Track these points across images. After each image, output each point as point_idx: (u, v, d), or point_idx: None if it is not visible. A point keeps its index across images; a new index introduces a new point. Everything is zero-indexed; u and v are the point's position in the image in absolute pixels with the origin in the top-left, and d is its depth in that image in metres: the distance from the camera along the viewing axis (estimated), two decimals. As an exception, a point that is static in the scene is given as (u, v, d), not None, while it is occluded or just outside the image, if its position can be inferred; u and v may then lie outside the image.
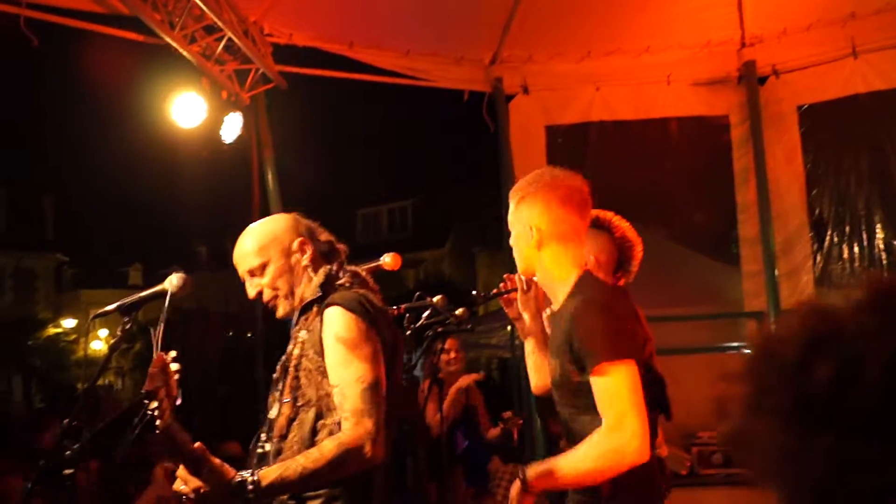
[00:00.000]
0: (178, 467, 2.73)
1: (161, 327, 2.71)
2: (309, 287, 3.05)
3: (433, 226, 42.26)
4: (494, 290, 4.31)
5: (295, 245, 3.09)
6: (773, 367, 1.08)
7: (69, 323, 43.81)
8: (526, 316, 4.03)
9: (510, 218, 3.19)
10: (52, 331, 41.88)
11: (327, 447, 2.71)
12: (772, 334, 1.18)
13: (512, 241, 3.21)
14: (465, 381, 6.90)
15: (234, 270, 3.15)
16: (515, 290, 4.17)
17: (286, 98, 8.11)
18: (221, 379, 19.22)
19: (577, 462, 2.88)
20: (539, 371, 3.94)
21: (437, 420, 5.89)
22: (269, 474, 2.69)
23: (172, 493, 5.82)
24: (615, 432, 2.81)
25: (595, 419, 2.93)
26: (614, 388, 2.86)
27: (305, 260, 3.08)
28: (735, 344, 8.37)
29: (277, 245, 3.09)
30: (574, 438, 3.05)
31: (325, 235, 3.22)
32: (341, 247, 3.23)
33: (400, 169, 48.18)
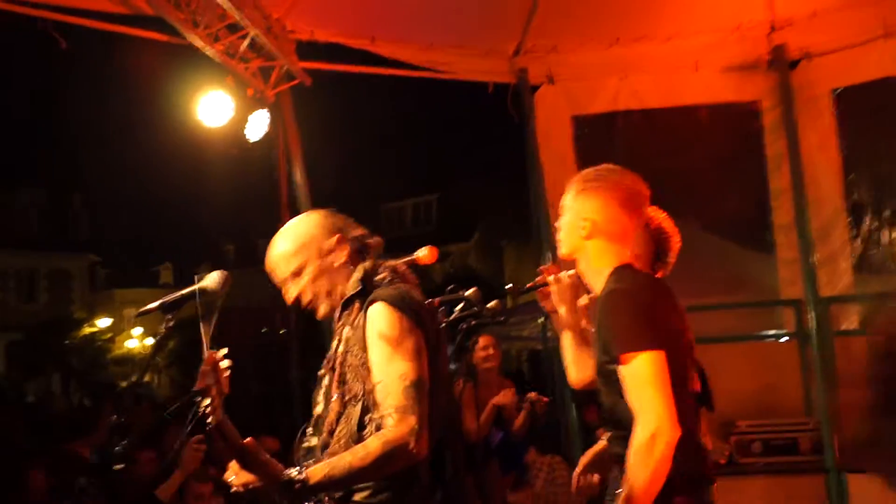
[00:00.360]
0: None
1: (211, 325, 2.77)
2: (348, 284, 3.04)
3: (458, 220, 42.40)
4: (529, 284, 4.30)
5: (331, 243, 3.07)
6: None
7: (104, 322, 44.33)
8: (562, 309, 4.03)
9: (565, 203, 3.30)
10: (87, 330, 42.44)
11: (373, 445, 2.72)
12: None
13: (561, 225, 3.31)
14: (504, 399, 6.88)
15: (262, 267, 3.14)
16: (546, 284, 4.16)
17: (309, 94, 8.08)
18: (255, 376, 19.34)
19: (635, 479, 2.87)
20: (576, 364, 3.94)
21: (473, 427, 5.85)
22: (317, 472, 2.71)
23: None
24: (643, 426, 2.86)
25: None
26: (638, 377, 2.91)
27: (343, 257, 3.07)
28: (771, 332, 8.31)
29: (313, 246, 3.07)
30: (618, 426, 3.09)
31: (358, 229, 3.20)
32: (375, 240, 3.21)
33: (424, 163, 48.26)
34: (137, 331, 46.14)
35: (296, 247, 3.07)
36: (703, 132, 8.38)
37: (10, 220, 43.03)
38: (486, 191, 39.82)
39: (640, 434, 2.85)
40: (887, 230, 7.98)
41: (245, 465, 2.72)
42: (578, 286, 4.18)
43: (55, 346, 39.26)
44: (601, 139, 8.44)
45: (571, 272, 4.19)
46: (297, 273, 3.05)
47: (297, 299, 3.09)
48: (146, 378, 36.57)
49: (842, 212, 8.12)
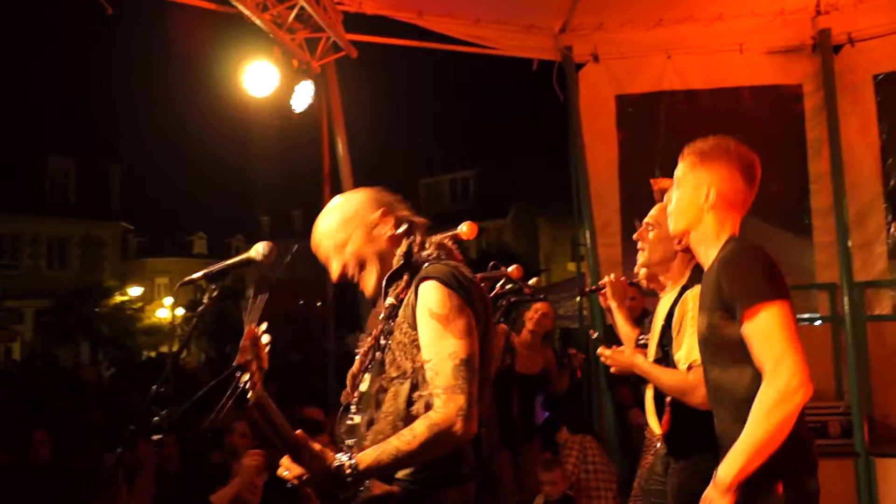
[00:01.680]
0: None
1: (255, 299, 2.71)
2: (393, 259, 3.03)
3: (495, 196, 42.27)
4: (593, 287, 4.51)
5: (376, 219, 3.06)
6: None
7: (135, 291, 44.51)
8: (613, 304, 4.18)
9: (679, 174, 3.25)
10: (118, 299, 42.56)
11: (419, 428, 2.71)
12: None
13: (675, 196, 3.26)
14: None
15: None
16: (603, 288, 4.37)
17: (352, 66, 8.12)
18: (293, 347, 19.42)
19: (752, 432, 2.79)
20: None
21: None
22: (365, 457, 2.71)
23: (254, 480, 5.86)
24: (775, 378, 2.77)
25: (743, 374, 2.92)
26: (767, 329, 2.83)
27: (388, 231, 3.05)
28: (806, 316, 8.29)
29: (358, 219, 3.06)
30: (721, 399, 3.06)
31: (403, 210, 3.16)
32: (421, 220, 3.18)
33: (463, 139, 48.16)
34: (168, 300, 46.40)
35: (341, 221, 3.07)
36: (745, 114, 8.38)
37: (43, 186, 43.23)
38: (522, 167, 39.78)
39: (771, 385, 2.76)
40: (924, 217, 7.98)
41: (296, 458, 2.73)
42: (626, 286, 4.32)
43: (85, 313, 39.47)
44: (644, 119, 8.47)
45: (613, 276, 4.40)
46: (342, 247, 3.05)
47: (342, 274, 3.08)
48: (173, 347, 36.84)
49: (879, 197, 8.12)
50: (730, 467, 2.82)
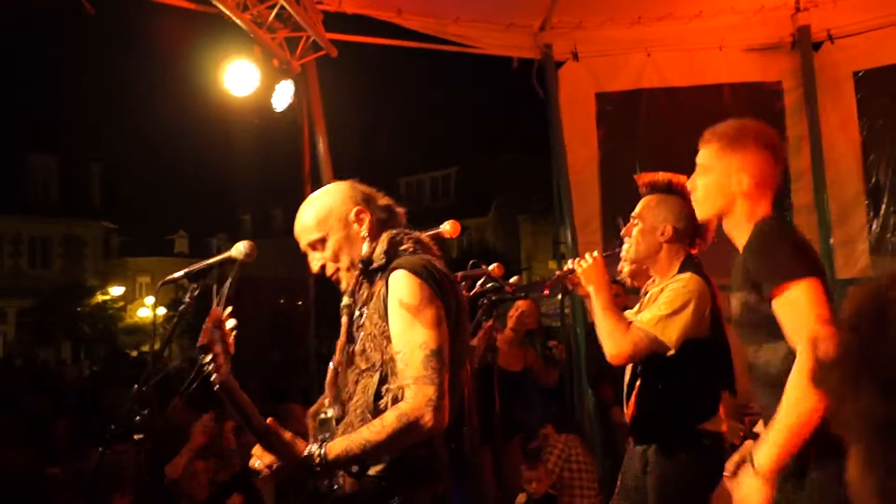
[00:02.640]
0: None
1: (226, 287, 2.74)
2: (368, 254, 3.02)
3: (476, 194, 42.27)
4: (558, 273, 4.39)
5: (352, 215, 3.05)
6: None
7: (117, 290, 44.37)
8: (591, 288, 4.10)
9: (706, 161, 3.21)
10: (99, 298, 42.43)
11: (388, 418, 2.70)
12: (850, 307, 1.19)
13: (701, 184, 3.23)
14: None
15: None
16: (573, 270, 4.24)
17: (332, 65, 8.10)
18: (273, 345, 19.39)
19: (788, 415, 2.77)
20: (613, 337, 3.96)
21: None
22: (334, 448, 2.72)
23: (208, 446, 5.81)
24: (807, 358, 2.67)
25: (778, 349, 2.92)
26: (796, 308, 2.84)
27: (364, 230, 3.03)
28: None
29: (335, 217, 3.05)
30: (761, 377, 3.05)
31: (383, 200, 3.17)
32: (400, 210, 3.19)
33: (443, 137, 48.13)
34: (149, 300, 46.24)
35: (317, 219, 3.06)
36: (725, 111, 8.27)
37: (25, 185, 43.01)
38: (503, 165, 39.82)
39: (802, 363, 2.74)
40: (905, 214, 8.00)
41: (268, 447, 2.74)
42: (602, 266, 4.26)
43: (67, 313, 39.33)
44: (624, 116, 8.48)
45: (595, 253, 4.27)
46: (320, 244, 3.05)
47: (322, 267, 3.08)
48: (154, 345, 36.65)
49: (861, 194, 8.14)
50: (768, 454, 2.81)
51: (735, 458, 3.52)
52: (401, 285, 2.82)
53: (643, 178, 4.29)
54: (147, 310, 45.69)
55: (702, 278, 3.98)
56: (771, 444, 2.80)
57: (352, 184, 3.18)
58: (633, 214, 4.27)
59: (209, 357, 2.57)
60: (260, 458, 2.78)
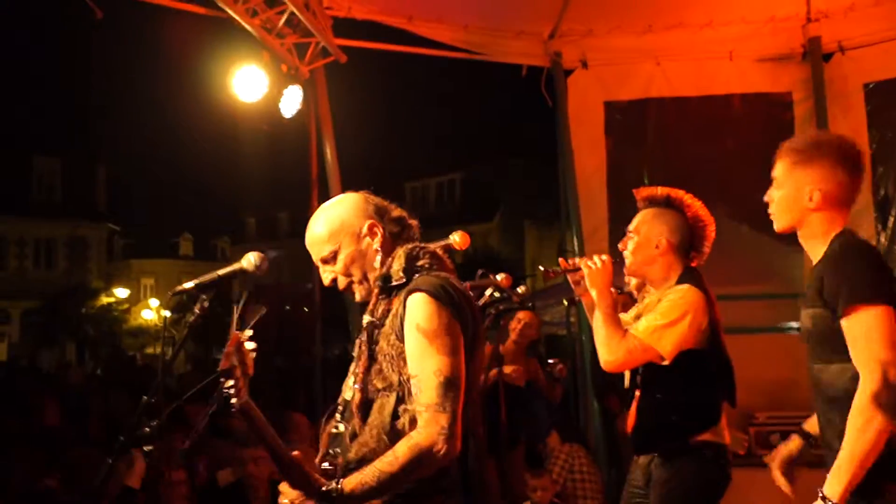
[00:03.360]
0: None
1: (240, 306, 2.71)
2: (383, 269, 2.99)
3: (481, 199, 42.32)
4: (563, 267, 4.37)
5: (364, 229, 3.02)
6: None
7: (121, 292, 44.42)
8: (594, 292, 4.10)
9: (779, 174, 3.22)
10: (104, 300, 42.48)
11: (401, 450, 2.69)
12: None
13: (776, 197, 3.24)
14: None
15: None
16: (579, 269, 4.24)
17: (340, 70, 8.09)
18: (278, 352, 19.36)
19: (853, 445, 2.79)
20: (609, 345, 3.99)
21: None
22: (349, 482, 2.70)
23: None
24: (868, 384, 2.77)
25: (846, 368, 2.90)
26: (865, 333, 2.83)
27: (377, 244, 3.01)
28: (795, 325, 8.26)
29: (347, 230, 3.02)
30: (823, 393, 3.05)
31: (396, 212, 3.13)
32: (413, 222, 3.15)
33: (448, 142, 48.26)
34: (154, 302, 46.31)
35: (329, 232, 3.03)
36: (734, 121, 8.39)
37: (30, 187, 43.11)
38: (509, 171, 39.86)
39: (866, 390, 2.76)
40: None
41: (292, 482, 2.74)
42: (611, 272, 4.25)
43: (71, 314, 39.39)
44: (633, 125, 8.48)
45: (605, 256, 4.26)
46: (332, 257, 3.03)
47: (333, 280, 3.06)
48: (158, 350, 36.64)
49: (869, 206, 8.10)
50: (836, 484, 2.80)
51: (783, 451, 3.70)
52: (419, 309, 2.80)
53: (642, 193, 4.33)
54: (151, 312, 45.76)
55: (701, 290, 4.01)
56: (838, 474, 2.80)
57: (365, 196, 3.14)
58: (628, 229, 4.28)
59: (230, 382, 2.56)
60: (287, 496, 2.78)
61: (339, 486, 2.70)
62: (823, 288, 2.97)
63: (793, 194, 3.16)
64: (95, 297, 42.06)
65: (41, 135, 42.59)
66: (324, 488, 2.70)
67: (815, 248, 3.15)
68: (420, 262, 2.98)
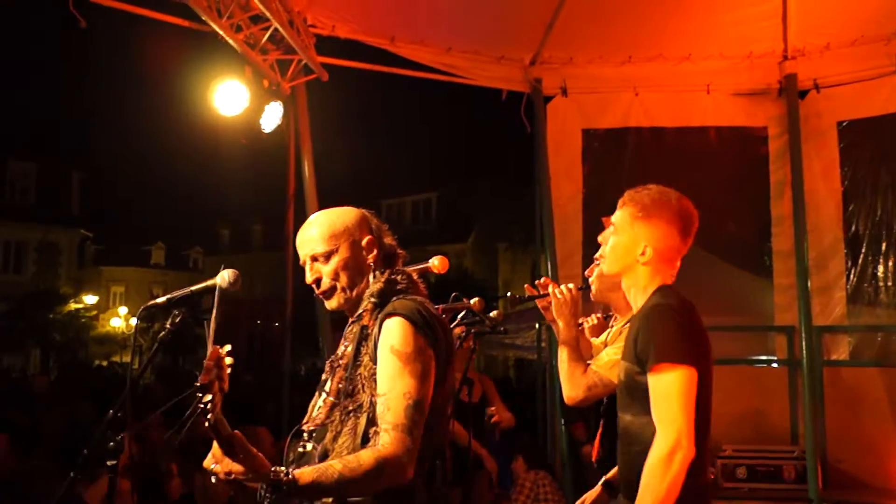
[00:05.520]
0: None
1: (213, 320, 2.70)
2: (369, 287, 3.02)
3: (456, 220, 42.40)
4: (532, 292, 4.41)
5: (365, 241, 3.06)
6: None
7: (90, 299, 44.09)
8: (560, 322, 4.16)
9: (618, 221, 3.34)
10: (72, 306, 42.13)
11: (365, 457, 2.68)
12: None
13: (610, 242, 3.36)
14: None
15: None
16: (548, 294, 4.29)
17: (321, 88, 8.11)
18: (248, 366, 19.25)
19: (650, 486, 2.92)
20: (571, 380, 4.08)
21: (464, 434, 5.88)
22: (305, 475, 2.64)
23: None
24: (661, 440, 2.91)
25: (651, 424, 2.99)
26: (666, 391, 2.95)
27: (371, 259, 3.05)
28: (763, 357, 8.34)
29: (348, 236, 3.06)
30: (630, 442, 3.15)
31: (388, 239, 3.17)
32: (401, 253, 3.18)
33: (426, 162, 48.36)
34: (123, 310, 46.00)
35: (331, 232, 3.05)
36: (710, 154, 8.47)
37: (3, 190, 42.84)
38: (484, 192, 39.94)
39: (660, 447, 2.90)
40: (882, 263, 8.05)
41: (232, 455, 2.61)
42: (578, 302, 4.30)
43: (38, 319, 39.01)
44: (610, 153, 8.54)
45: (572, 286, 4.31)
46: (325, 257, 3.04)
47: (316, 280, 3.06)
48: (124, 359, 36.34)
49: (839, 242, 8.20)
50: None
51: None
52: (395, 332, 2.83)
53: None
54: (119, 320, 45.44)
55: None
56: None
57: (367, 213, 3.20)
58: (596, 256, 4.34)
59: (209, 397, 2.55)
60: (218, 462, 2.65)
61: (292, 476, 2.63)
62: (637, 345, 3.08)
63: (628, 245, 3.29)
64: (64, 303, 41.68)
65: (17, 139, 42.29)
66: (273, 474, 2.61)
67: (637, 298, 3.30)
68: (399, 286, 3.01)
